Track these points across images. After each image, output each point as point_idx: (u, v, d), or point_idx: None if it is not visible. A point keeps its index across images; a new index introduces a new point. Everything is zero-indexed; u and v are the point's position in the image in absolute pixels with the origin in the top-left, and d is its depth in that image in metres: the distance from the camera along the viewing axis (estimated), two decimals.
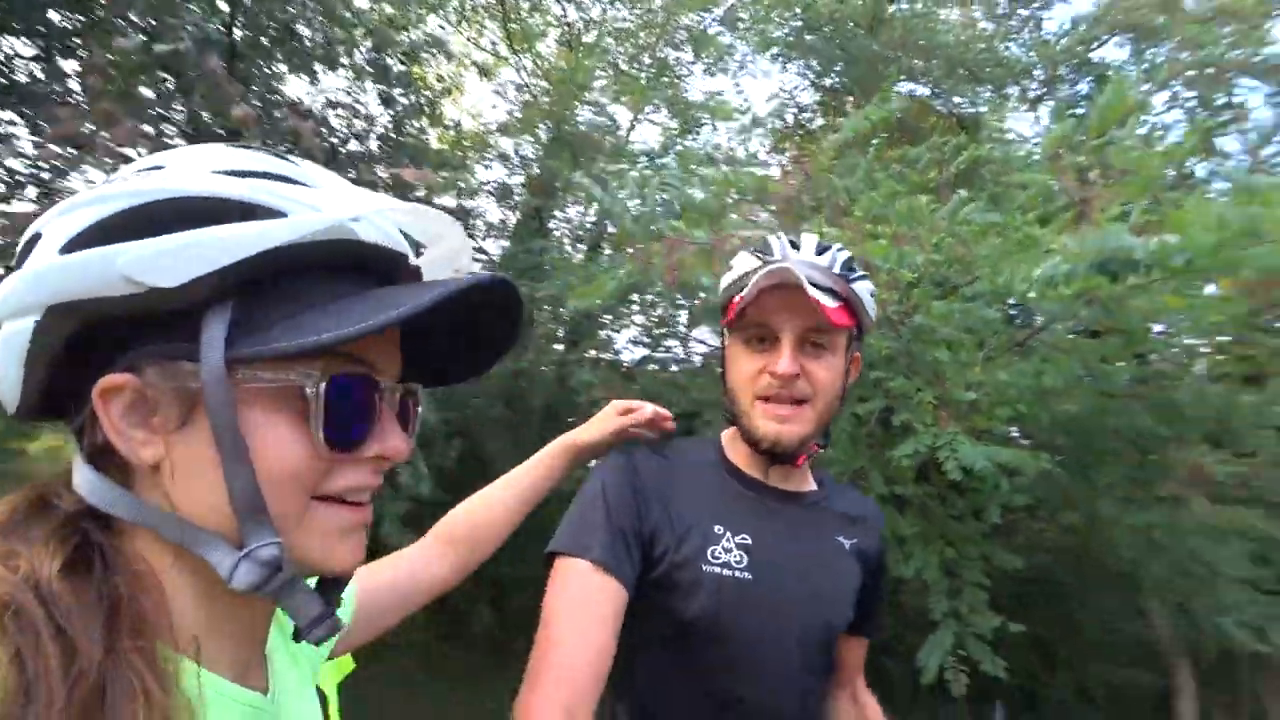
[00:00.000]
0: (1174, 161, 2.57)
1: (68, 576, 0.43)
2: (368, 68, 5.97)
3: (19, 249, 0.48)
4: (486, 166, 9.56)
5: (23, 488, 0.49)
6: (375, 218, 0.52)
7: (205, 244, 0.45)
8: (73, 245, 0.45)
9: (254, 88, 4.81)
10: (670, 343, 6.33)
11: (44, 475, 0.51)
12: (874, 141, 3.05)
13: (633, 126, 9.85)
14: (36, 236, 0.47)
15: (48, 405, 0.50)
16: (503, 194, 8.79)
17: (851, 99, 6.82)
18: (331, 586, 0.56)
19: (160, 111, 4.44)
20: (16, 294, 0.46)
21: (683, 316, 5.77)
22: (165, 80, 4.21)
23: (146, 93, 4.11)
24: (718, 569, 1.01)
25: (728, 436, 1.19)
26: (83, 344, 0.47)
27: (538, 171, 8.35)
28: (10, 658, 0.38)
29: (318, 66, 5.64)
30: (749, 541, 1.04)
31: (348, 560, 0.52)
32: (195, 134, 5.03)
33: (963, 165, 3.17)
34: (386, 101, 6.40)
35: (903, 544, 3.60)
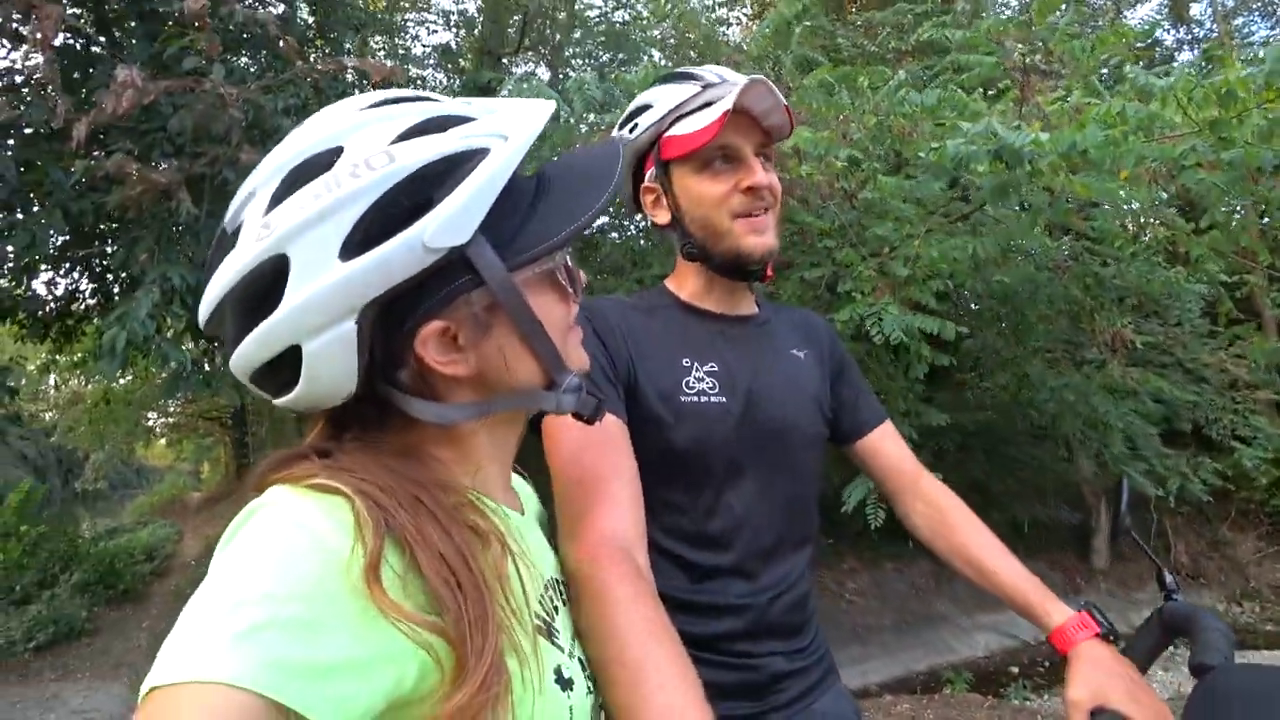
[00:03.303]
0: (1121, 45, 2.63)
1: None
2: None
3: (252, 274, 0.53)
4: (430, 30, 8.94)
5: (291, 449, 0.60)
6: None
7: (474, 198, 0.53)
8: (350, 250, 0.51)
9: None
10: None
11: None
12: (802, 25, 3.00)
13: None
14: (283, 259, 0.52)
15: (367, 378, 0.58)
16: (445, 55, 8.27)
17: None
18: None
19: None
20: (323, 310, 0.52)
21: None
22: None
23: None
24: (694, 398, 1.05)
25: (671, 279, 1.20)
26: (383, 317, 0.55)
27: (480, 32, 7.86)
28: (352, 485, 0.52)
29: None
30: (716, 369, 1.08)
31: (585, 359, 0.70)
32: (112, 17, 4.64)
33: (924, 36, 3.16)
34: None
35: None
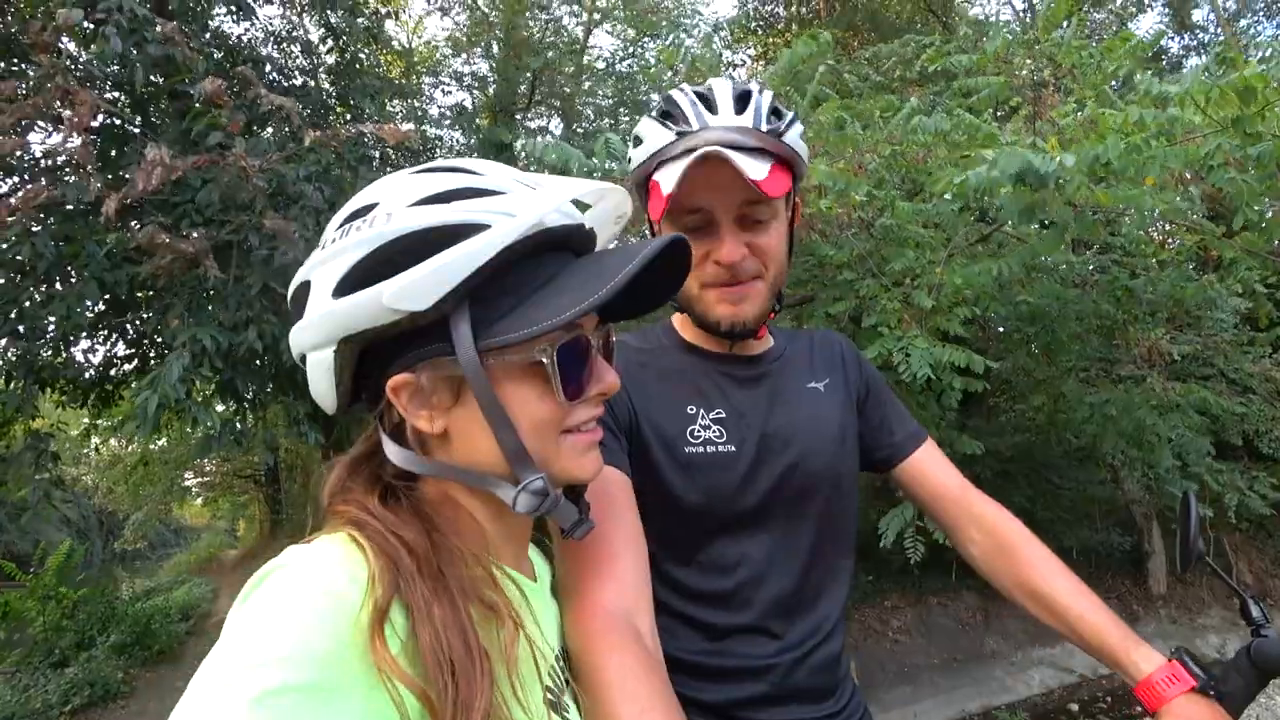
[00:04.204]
0: (1129, 53, 2.60)
1: (383, 503, 0.60)
2: None
3: (292, 294, 0.62)
4: (445, 92, 9.31)
5: (349, 453, 0.67)
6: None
7: (440, 270, 0.55)
8: (341, 289, 0.57)
9: (188, 26, 4.64)
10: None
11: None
12: (819, 69, 3.02)
13: (588, 34, 9.50)
14: (306, 284, 0.60)
15: (353, 400, 0.65)
16: (460, 115, 8.58)
17: None
18: (577, 496, 0.73)
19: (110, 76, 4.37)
20: (314, 333, 0.59)
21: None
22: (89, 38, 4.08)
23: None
24: (700, 448, 0.98)
25: (678, 318, 1.12)
26: (367, 355, 0.60)
27: (494, 91, 8.15)
28: (374, 548, 0.54)
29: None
30: (724, 415, 1.01)
31: (591, 469, 0.67)
32: (146, 99, 4.88)
33: (927, 65, 3.17)
34: (330, 30, 6.19)
35: None
